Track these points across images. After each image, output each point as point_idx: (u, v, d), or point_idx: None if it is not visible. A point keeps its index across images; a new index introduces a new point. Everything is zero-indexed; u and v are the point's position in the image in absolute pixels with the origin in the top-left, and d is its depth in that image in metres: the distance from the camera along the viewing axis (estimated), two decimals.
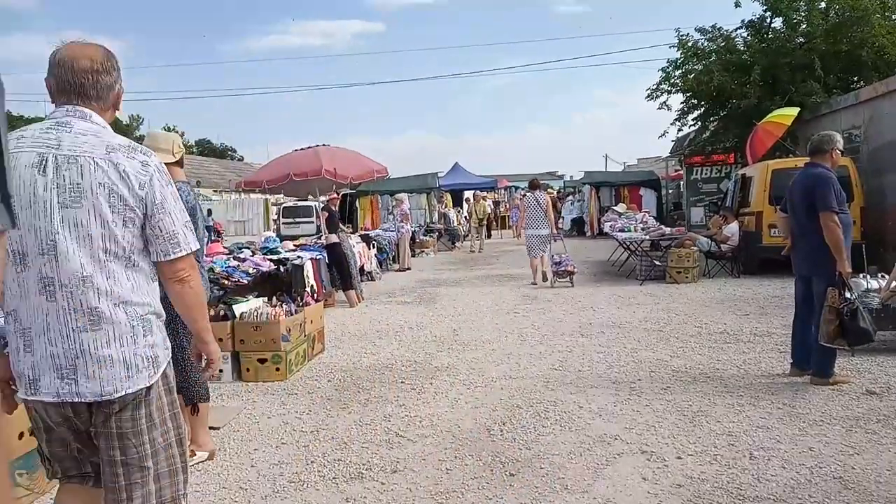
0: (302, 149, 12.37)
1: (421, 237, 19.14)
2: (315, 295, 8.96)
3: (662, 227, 13.28)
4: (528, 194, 13.00)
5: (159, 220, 2.23)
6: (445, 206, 22.89)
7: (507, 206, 30.67)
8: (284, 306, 6.91)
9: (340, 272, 10.64)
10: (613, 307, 9.57)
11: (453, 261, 17.56)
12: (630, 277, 12.47)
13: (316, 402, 5.58)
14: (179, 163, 4.25)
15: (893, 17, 15.35)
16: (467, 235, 23.34)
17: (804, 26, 16.01)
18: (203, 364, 2.62)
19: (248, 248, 9.60)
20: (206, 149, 64.91)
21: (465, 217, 23.80)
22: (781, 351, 6.57)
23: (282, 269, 8.68)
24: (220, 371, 6.28)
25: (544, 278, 12.07)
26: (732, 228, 12.33)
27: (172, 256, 2.27)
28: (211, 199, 39.06)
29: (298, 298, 7.94)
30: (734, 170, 19.34)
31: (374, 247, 13.88)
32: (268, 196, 31.56)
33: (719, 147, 18.51)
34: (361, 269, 12.90)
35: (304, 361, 6.87)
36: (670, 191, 28.32)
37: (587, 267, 14.59)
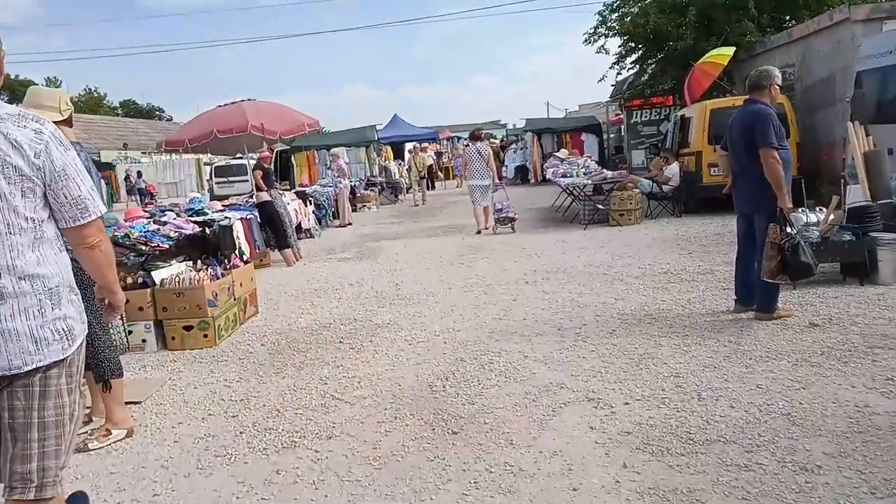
0: (226, 104, 11.71)
1: (362, 191, 18.68)
2: (247, 256, 8.54)
3: (604, 170, 13.18)
4: (469, 145, 13.04)
5: (63, 188, 2.15)
6: (385, 160, 22.38)
7: (451, 157, 30.29)
8: (210, 270, 6.50)
9: (274, 231, 10.20)
10: (558, 253, 9.44)
11: (396, 214, 17.20)
12: (574, 222, 12.38)
13: (247, 369, 5.26)
14: (68, 121, 3.78)
15: None
16: (410, 188, 22.95)
17: None
18: (106, 307, 2.64)
19: (173, 210, 9.07)
20: (131, 110, 62.16)
21: (406, 169, 23.35)
22: (725, 288, 6.52)
23: (208, 231, 8.20)
24: (144, 341, 5.90)
25: (486, 226, 12.23)
26: (673, 169, 12.31)
27: (82, 222, 2.21)
28: (140, 162, 37.51)
29: (226, 261, 7.52)
30: (673, 112, 19.38)
31: (311, 203, 13.40)
32: (200, 156, 30.45)
33: (658, 90, 18.45)
34: (299, 226, 12.47)
35: (236, 326, 6.51)
36: (611, 135, 28.37)
37: (531, 214, 14.45)
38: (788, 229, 5.35)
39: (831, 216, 6.92)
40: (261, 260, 10.05)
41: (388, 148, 22.97)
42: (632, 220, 11.62)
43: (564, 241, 10.38)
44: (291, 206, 12.03)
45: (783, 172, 5.29)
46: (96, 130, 44.10)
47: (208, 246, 8.46)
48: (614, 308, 6.20)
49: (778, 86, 5.65)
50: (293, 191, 13.28)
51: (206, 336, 5.96)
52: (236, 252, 8.37)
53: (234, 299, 6.55)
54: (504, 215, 12.03)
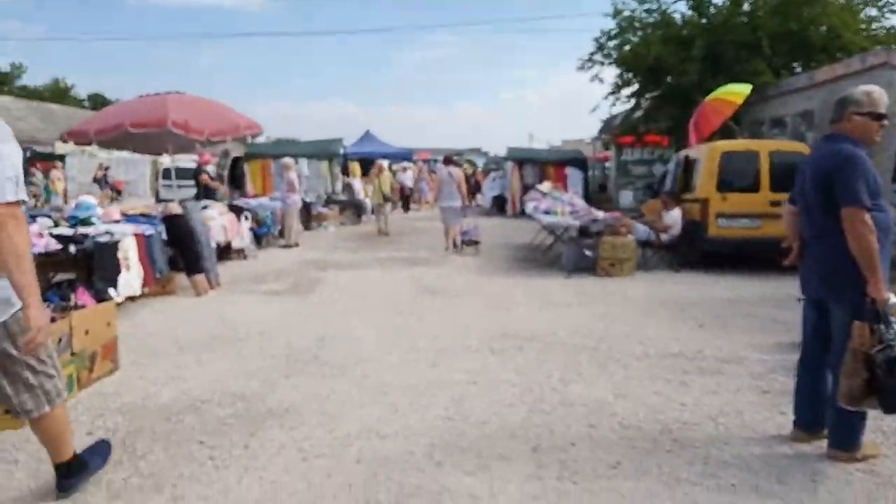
0: (148, 95, 9.70)
1: (319, 209, 16.69)
2: (132, 287, 6.53)
3: (593, 210, 11.37)
4: (441, 169, 13.56)
5: None
6: (352, 176, 20.43)
7: (417, 179, 28.32)
8: (51, 306, 4.50)
9: (183, 252, 8.19)
10: (535, 308, 7.56)
11: (355, 238, 15.22)
12: (555, 267, 10.54)
13: (37, 483, 3.26)
14: None
15: None
16: (374, 210, 21.03)
17: (747, 3, 14.39)
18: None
19: (49, 215, 7.04)
20: (98, 103, 59.45)
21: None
22: (764, 392, 4.70)
23: (73, 248, 6.17)
24: None
25: (454, 245, 12.56)
26: (674, 216, 10.56)
27: None
28: (96, 156, 35.03)
29: (100, 291, 5.53)
30: (673, 152, 17.84)
31: (247, 219, 11.39)
32: (162, 155, 28.13)
33: (654, 127, 16.85)
34: (228, 246, 10.46)
35: (73, 393, 4.49)
36: (596, 172, 26.85)
37: (506, 251, 12.60)
38: (884, 330, 3.51)
39: None
40: (163, 286, 8.03)
41: (356, 164, 21.05)
42: (623, 271, 9.82)
43: (543, 293, 8.51)
44: (219, 222, 10.03)
45: (878, 245, 3.49)
46: (55, 120, 41.60)
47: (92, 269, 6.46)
48: (612, 412, 4.32)
49: (869, 114, 3.82)
50: (224, 202, 11.25)
51: (7, 412, 3.93)
52: (118, 278, 6.35)
53: (73, 355, 4.55)
54: (469, 237, 12.58)
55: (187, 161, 17.90)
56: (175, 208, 8.21)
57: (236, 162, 18.93)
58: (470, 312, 7.30)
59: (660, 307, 7.63)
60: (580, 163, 22.59)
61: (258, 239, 12.46)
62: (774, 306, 7.63)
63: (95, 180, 27.37)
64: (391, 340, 6.14)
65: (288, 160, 13.64)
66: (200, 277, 8.28)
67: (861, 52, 13.16)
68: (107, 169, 28.74)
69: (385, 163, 17.03)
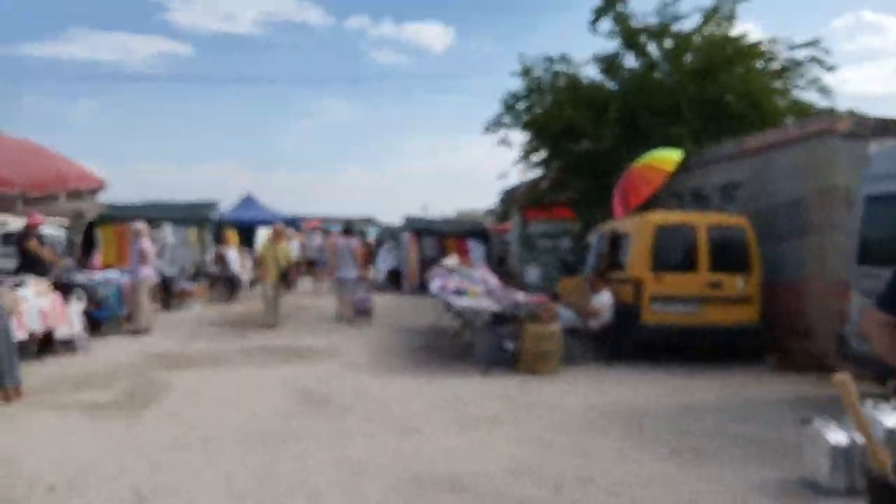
0: None
1: (183, 284, 14.17)
2: None
3: (512, 291, 9.69)
4: (340, 239, 13.64)
5: None
6: (227, 245, 18.01)
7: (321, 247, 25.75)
8: None
9: None
10: (452, 429, 5.66)
11: (224, 320, 12.80)
12: (465, 360, 8.74)
13: None
14: None
15: (761, 64, 13.46)
16: (253, 283, 18.56)
17: (665, 66, 13.71)
18: None
19: None
20: None
21: (254, 261, 19.04)
22: None
23: None
24: None
25: (346, 317, 12.38)
26: (604, 299, 9.08)
27: None
28: None
29: None
30: (577, 227, 16.81)
31: (79, 300, 8.92)
32: None
33: (562, 197, 15.72)
34: (47, 337, 8.00)
35: None
36: (494, 245, 25.62)
37: (406, 338, 10.69)
38: None
39: None
40: None
41: (233, 232, 18.71)
42: (549, 367, 8.15)
43: (458, 401, 6.64)
44: (35, 305, 7.59)
45: None
46: None
47: None
48: None
49: None
50: (48, 277, 8.73)
51: None
52: None
53: None
54: (362, 307, 12.53)
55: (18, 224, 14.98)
56: None
57: (91, 227, 16.14)
58: (365, 441, 5.30)
59: (609, 423, 5.93)
60: (482, 234, 21.31)
61: (97, 324, 9.94)
62: (744, 418, 6.15)
63: None
64: (246, 500, 4.05)
65: (139, 225, 11.22)
66: None
67: (780, 122, 12.60)
68: None
69: (286, 227, 14.14)
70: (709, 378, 7.97)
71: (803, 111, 13.22)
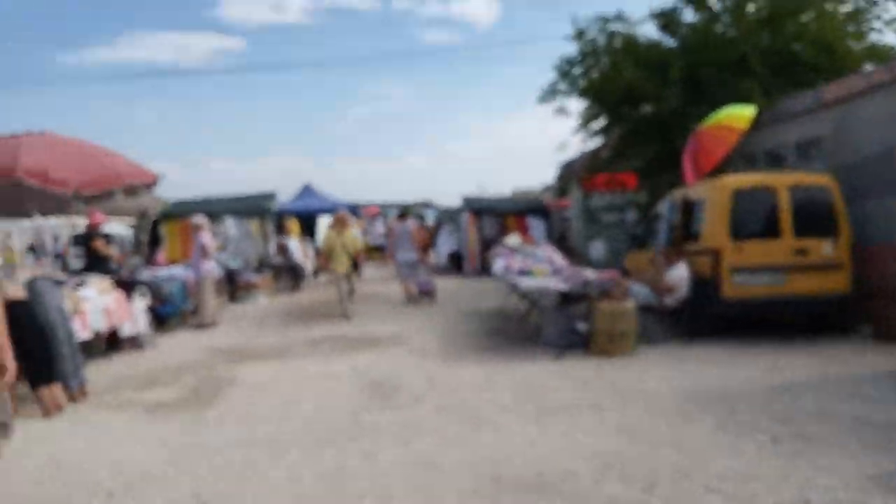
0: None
1: (248, 276, 14.21)
2: None
3: (581, 269, 9.21)
4: (397, 224, 14.04)
5: None
6: (288, 235, 18.04)
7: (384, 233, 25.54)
8: None
9: (25, 353, 5.72)
10: (529, 420, 5.31)
11: (290, 311, 12.75)
12: (535, 343, 8.37)
13: None
14: None
15: (831, 7, 12.41)
16: (317, 272, 18.57)
17: (727, 18, 12.84)
18: None
19: None
20: None
21: (317, 251, 19.04)
22: None
23: None
24: None
25: (412, 299, 12.64)
26: (680, 273, 8.54)
27: None
28: None
29: None
30: (642, 197, 16.10)
31: (142, 297, 8.93)
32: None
33: (626, 166, 15.04)
34: (113, 335, 8.01)
35: None
36: (554, 222, 24.99)
37: (471, 323, 10.37)
38: None
39: None
40: None
41: (294, 221, 18.72)
42: (624, 348, 7.70)
43: (533, 389, 6.28)
44: (98, 304, 7.57)
45: None
46: None
47: None
48: None
49: None
50: (110, 277, 8.73)
51: None
52: None
53: None
54: (426, 288, 12.75)
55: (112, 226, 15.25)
56: (13, 290, 5.75)
57: (156, 224, 16.38)
58: (438, 436, 5.00)
59: (699, 408, 5.47)
60: (542, 212, 20.76)
61: (162, 321, 9.97)
62: (846, 396, 5.60)
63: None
64: None
65: (199, 218, 11.18)
66: (50, 391, 5.82)
67: (857, 69, 11.65)
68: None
69: (348, 215, 12.96)
70: (798, 353, 7.39)
71: (882, 56, 12.17)
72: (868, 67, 11.60)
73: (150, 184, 8.21)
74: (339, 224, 11.78)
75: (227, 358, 8.18)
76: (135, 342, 8.63)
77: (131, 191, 8.20)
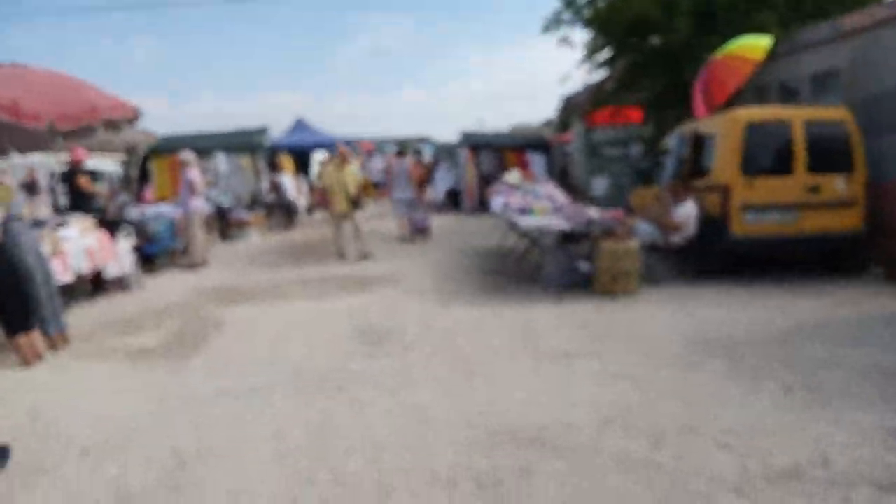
0: None
1: (240, 214, 13.84)
2: None
3: (584, 207, 8.82)
4: (395, 161, 13.83)
5: None
6: (281, 172, 17.56)
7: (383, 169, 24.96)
8: None
9: (2, 301, 5.46)
10: (527, 368, 5.04)
11: (282, 249, 12.44)
12: (534, 282, 8.10)
13: None
14: None
15: None
16: (311, 210, 18.19)
17: None
18: None
19: None
20: None
21: (311, 187, 18.57)
22: None
23: None
24: None
25: (407, 237, 12.62)
26: (688, 210, 8.18)
27: None
28: None
29: None
30: (647, 131, 15.59)
31: (128, 236, 8.59)
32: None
33: (633, 99, 14.46)
34: (97, 277, 7.72)
35: None
36: (555, 157, 24.43)
37: (467, 261, 10.08)
38: None
39: None
40: None
41: (287, 158, 18.20)
42: (628, 287, 7.42)
43: (531, 331, 6.02)
44: (80, 244, 7.25)
45: None
46: None
47: None
48: None
49: None
50: (95, 216, 8.36)
51: None
52: None
53: None
54: (421, 226, 12.73)
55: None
56: None
57: (146, 160, 15.88)
58: (432, 384, 4.74)
59: (706, 354, 5.20)
60: (543, 146, 20.23)
61: (150, 260, 9.67)
62: (860, 341, 5.34)
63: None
64: (297, 464, 3.57)
65: (186, 154, 10.70)
66: (28, 338, 5.54)
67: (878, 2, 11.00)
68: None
69: (349, 150, 12.17)
70: (809, 295, 7.10)
71: None
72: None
73: (132, 118, 7.74)
74: (340, 160, 11.08)
75: (216, 299, 7.91)
76: (121, 283, 8.34)
77: (112, 125, 7.73)
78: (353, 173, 11.13)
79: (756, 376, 4.64)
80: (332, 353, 5.55)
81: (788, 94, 10.61)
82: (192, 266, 10.11)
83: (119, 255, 8.18)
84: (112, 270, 8.04)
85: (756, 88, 11.08)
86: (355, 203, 10.86)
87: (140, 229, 9.30)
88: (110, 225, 8.31)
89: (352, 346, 5.71)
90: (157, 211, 10.59)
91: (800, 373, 4.68)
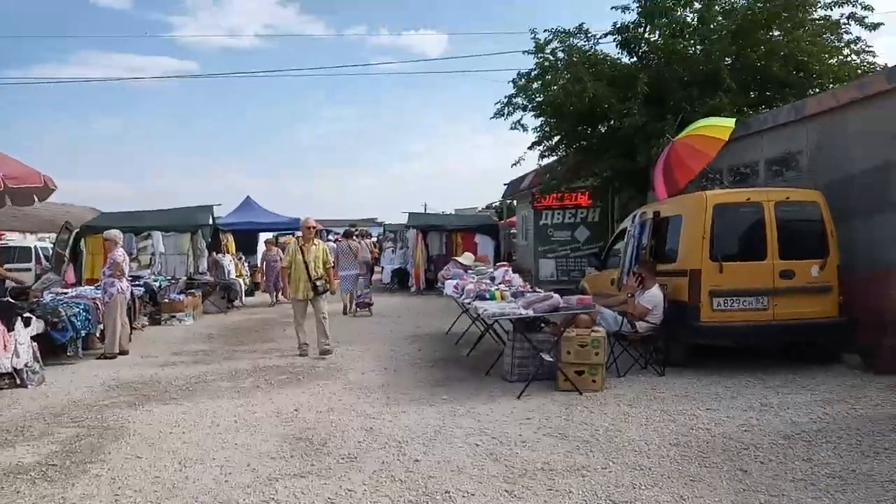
0: None
1: (171, 296, 12.70)
2: None
3: (545, 292, 8.07)
4: (341, 242, 14.76)
5: None
6: (224, 252, 16.55)
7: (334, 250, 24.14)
8: None
9: None
10: (499, 493, 4.16)
11: (217, 333, 11.33)
12: (491, 373, 7.32)
13: None
14: None
15: (814, 16, 11.78)
16: (250, 291, 17.13)
17: (687, 36, 11.94)
18: None
19: None
20: None
21: (252, 268, 17.60)
22: None
23: None
24: None
25: (349, 311, 13.62)
26: (654, 296, 7.58)
27: None
28: None
29: None
30: (594, 214, 15.52)
31: (27, 324, 7.48)
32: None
33: (585, 182, 14.25)
34: None
35: None
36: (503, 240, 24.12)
37: (417, 349, 9.22)
38: None
39: None
40: None
41: (230, 237, 17.18)
42: (596, 381, 6.68)
43: (496, 438, 5.15)
44: None
45: None
46: None
47: None
48: None
49: None
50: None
51: None
52: None
53: None
54: (362, 300, 13.62)
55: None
56: None
57: (78, 238, 14.68)
58: None
59: (701, 466, 4.45)
60: (491, 229, 19.86)
61: (59, 349, 8.52)
62: (866, 447, 4.73)
63: None
64: None
65: (112, 233, 9.62)
66: None
67: (831, 85, 11.08)
68: None
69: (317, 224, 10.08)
70: (789, 388, 6.54)
71: (853, 74, 11.58)
72: (834, 86, 10.97)
73: (43, 191, 6.83)
74: (305, 236, 9.35)
75: (126, 396, 6.81)
76: (16, 377, 7.17)
77: (19, 196, 6.83)
78: (322, 251, 9.39)
79: (769, 495, 3.88)
80: (255, 472, 4.55)
81: (740, 179, 10.38)
82: (107, 357, 8.95)
83: (15, 346, 7.05)
84: (5, 364, 6.89)
85: (705, 173, 10.72)
86: (316, 288, 8.98)
87: (48, 315, 8.19)
88: (6, 311, 7.20)
89: (279, 462, 4.73)
90: (76, 293, 9.47)
91: (813, 488, 3.97)
